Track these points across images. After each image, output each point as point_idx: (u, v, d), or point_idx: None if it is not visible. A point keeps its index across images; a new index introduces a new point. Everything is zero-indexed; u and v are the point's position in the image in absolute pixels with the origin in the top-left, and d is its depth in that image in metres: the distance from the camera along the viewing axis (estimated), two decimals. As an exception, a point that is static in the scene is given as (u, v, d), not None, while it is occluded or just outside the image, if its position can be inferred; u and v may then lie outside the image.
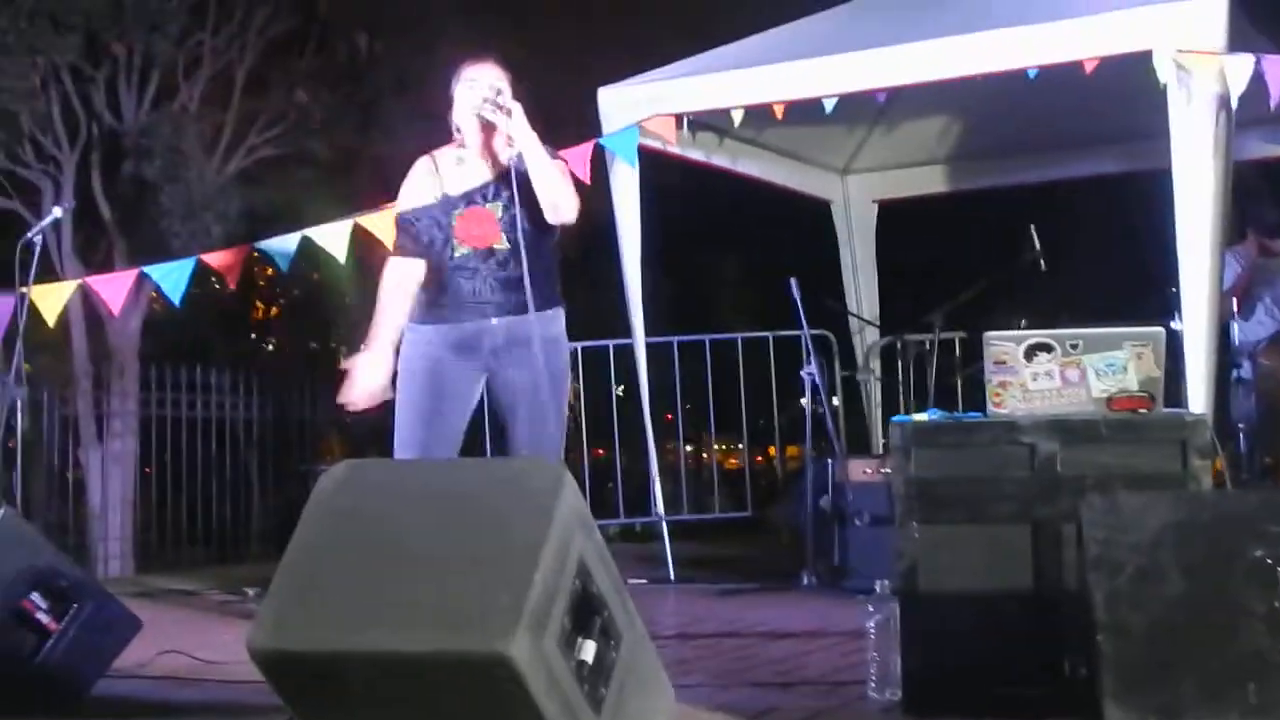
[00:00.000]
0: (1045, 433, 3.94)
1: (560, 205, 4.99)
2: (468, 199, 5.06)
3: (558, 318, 5.14)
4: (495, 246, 5.02)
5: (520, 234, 4.98)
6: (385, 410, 5.13)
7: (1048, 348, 4.00)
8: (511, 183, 4.99)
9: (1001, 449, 3.97)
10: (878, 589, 4.22)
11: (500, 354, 5.04)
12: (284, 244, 7.71)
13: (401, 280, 5.06)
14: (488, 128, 5.04)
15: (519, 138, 4.93)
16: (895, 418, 4.25)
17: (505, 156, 5.07)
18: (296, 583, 3.18)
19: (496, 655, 2.88)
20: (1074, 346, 4.01)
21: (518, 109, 4.95)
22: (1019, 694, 3.87)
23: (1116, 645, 3.10)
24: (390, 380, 4.97)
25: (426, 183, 5.12)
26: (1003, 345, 4.02)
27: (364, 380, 4.90)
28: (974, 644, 3.91)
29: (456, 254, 5.03)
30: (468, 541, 3.12)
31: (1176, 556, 3.16)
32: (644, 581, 7.73)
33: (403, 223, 5.12)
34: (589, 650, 3.12)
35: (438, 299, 5.05)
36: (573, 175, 5.28)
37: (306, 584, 3.17)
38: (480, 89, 5.00)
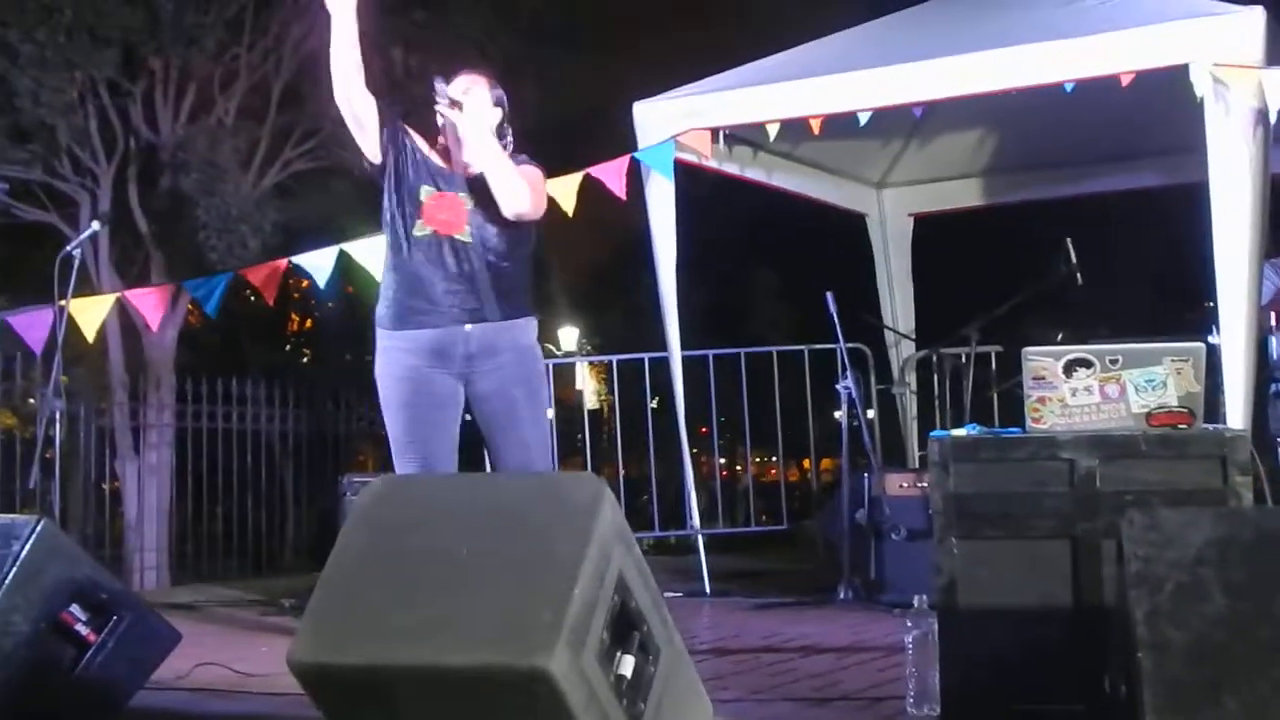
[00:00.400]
0: (1085, 448, 3.92)
1: (518, 199, 4.89)
2: (446, 180, 5.00)
3: (530, 327, 5.06)
4: (457, 236, 4.92)
5: (487, 233, 4.94)
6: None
7: (1087, 363, 3.99)
8: (480, 189, 4.95)
9: (1041, 464, 3.96)
10: (915, 603, 4.22)
11: (474, 361, 4.94)
12: (320, 259, 7.73)
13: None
14: (453, 131, 4.99)
15: (470, 133, 4.90)
16: (934, 433, 4.24)
17: (476, 168, 4.99)
18: (336, 596, 3.19)
19: (536, 670, 2.89)
20: (1114, 362, 3.99)
21: (471, 104, 4.92)
22: (1058, 711, 3.85)
23: (1157, 663, 3.07)
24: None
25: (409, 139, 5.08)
26: (1042, 360, 4.01)
27: None
28: (1013, 660, 3.89)
29: (418, 233, 4.94)
30: (507, 556, 3.12)
31: (1218, 573, 3.13)
32: (679, 595, 7.72)
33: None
34: (627, 665, 3.13)
35: (410, 302, 4.95)
36: (609, 190, 5.21)
37: (346, 598, 3.18)
38: (440, 94, 4.98)
